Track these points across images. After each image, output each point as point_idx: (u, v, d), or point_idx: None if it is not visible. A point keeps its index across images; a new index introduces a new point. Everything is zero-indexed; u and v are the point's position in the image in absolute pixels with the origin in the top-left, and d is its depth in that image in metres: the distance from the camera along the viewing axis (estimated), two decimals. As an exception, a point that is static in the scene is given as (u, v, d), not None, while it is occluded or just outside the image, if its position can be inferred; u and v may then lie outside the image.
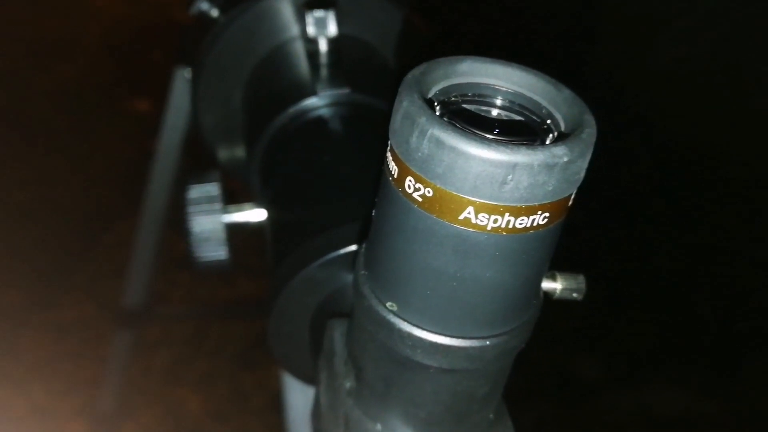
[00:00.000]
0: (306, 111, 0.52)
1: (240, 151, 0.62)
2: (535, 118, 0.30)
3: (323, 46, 0.54)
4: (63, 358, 1.54)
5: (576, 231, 1.60)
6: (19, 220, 1.74)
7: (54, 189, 1.84)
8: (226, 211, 0.56)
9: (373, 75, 0.57)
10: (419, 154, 0.27)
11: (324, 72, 0.53)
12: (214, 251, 0.57)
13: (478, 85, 0.31)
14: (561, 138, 0.28)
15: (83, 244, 1.74)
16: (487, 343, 0.31)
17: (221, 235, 0.56)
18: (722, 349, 1.44)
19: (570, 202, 0.29)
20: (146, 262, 1.15)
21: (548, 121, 0.30)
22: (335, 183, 0.47)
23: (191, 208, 0.56)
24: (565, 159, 0.26)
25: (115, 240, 1.72)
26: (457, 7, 1.79)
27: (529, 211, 0.27)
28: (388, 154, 0.29)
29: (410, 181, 0.28)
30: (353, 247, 0.42)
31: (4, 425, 1.43)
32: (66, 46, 2.22)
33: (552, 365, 1.43)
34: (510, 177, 0.26)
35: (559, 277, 0.35)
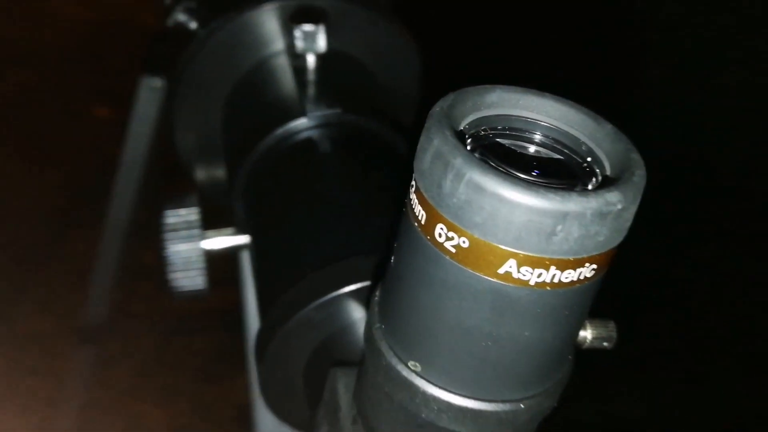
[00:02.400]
0: (294, 132, 0.48)
1: (220, 172, 0.58)
2: (575, 156, 0.27)
3: (311, 62, 0.50)
4: (23, 373, 1.49)
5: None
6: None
7: (10, 197, 1.78)
8: (204, 237, 0.53)
9: (364, 93, 0.54)
10: (454, 200, 0.24)
11: (312, 90, 0.50)
12: (192, 280, 0.53)
13: (510, 118, 0.27)
14: (607, 181, 0.25)
15: (40, 255, 1.68)
16: (521, 406, 0.28)
17: (200, 263, 0.53)
18: (687, 356, 1.44)
19: (615, 252, 0.26)
20: (107, 274, 1.11)
21: (588, 159, 0.27)
22: (329, 213, 0.44)
23: (169, 235, 0.52)
24: (619, 207, 0.23)
25: (73, 251, 1.66)
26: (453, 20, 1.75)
27: (577, 263, 0.24)
28: (413, 196, 0.26)
29: (442, 228, 0.25)
30: (354, 286, 0.38)
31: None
32: (23, 51, 2.15)
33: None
34: (560, 227, 0.23)
35: (588, 325, 0.32)
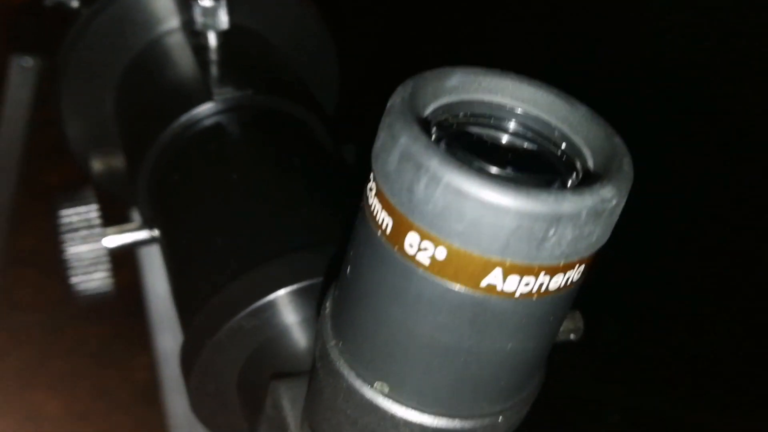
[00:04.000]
0: (201, 118, 0.44)
1: (117, 162, 0.53)
2: (550, 145, 0.24)
3: (213, 40, 0.46)
4: None
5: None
6: None
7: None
8: (106, 235, 0.48)
9: (273, 72, 0.49)
10: (429, 206, 0.21)
11: (215, 70, 0.45)
12: (98, 283, 0.49)
13: (474, 103, 0.24)
14: (592, 173, 0.23)
15: None
16: (500, 419, 0.25)
17: (104, 263, 0.48)
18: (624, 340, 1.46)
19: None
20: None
21: (563, 147, 0.24)
22: (250, 206, 0.40)
23: (66, 236, 0.47)
24: (614, 202, 0.21)
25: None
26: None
27: (568, 267, 0.22)
28: (373, 201, 0.23)
29: (413, 238, 0.21)
30: (289, 288, 0.35)
31: None
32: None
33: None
34: (552, 231, 0.20)
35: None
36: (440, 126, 0.23)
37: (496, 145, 0.24)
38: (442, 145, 0.23)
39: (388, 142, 0.22)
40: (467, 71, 0.24)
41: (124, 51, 0.49)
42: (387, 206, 0.22)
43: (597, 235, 0.21)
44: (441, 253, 0.21)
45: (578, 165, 0.23)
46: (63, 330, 1.50)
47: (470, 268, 0.21)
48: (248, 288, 0.35)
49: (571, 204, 0.20)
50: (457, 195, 0.20)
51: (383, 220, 0.22)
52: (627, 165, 0.22)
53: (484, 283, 0.21)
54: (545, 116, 0.24)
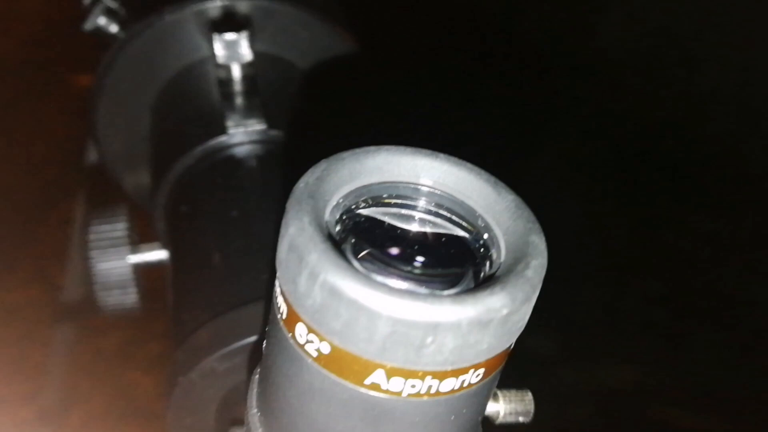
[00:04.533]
0: (214, 151, 0.44)
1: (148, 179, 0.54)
2: (470, 234, 0.23)
3: (236, 72, 0.46)
4: (10, 342, 1.48)
5: (531, 204, 1.57)
6: (-39, 201, 1.66)
7: (-1, 173, 1.75)
8: (135, 251, 0.49)
9: (297, 104, 0.49)
10: (310, 301, 0.20)
11: (238, 102, 0.46)
12: (121, 297, 0.50)
13: (397, 185, 0.24)
14: (494, 275, 0.21)
15: (28, 225, 1.66)
16: None
17: (128, 279, 0.49)
18: (677, 325, 1.42)
19: (511, 347, 0.22)
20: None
21: (485, 237, 0.23)
22: (245, 246, 0.40)
23: (93, 252, 0.49)
24: (504, 312, 0.20)
25: (60, 219, 1.65)
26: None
27: (458, 372, 0.21)
28: (277, 284, 0.22)
29: (301, 330, 0.21)
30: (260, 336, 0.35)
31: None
32: (2, 20, 2.10)
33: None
34: (430, 339, 0.19)
35: (501, 398, 0.29)
36: (351, 213, 0.23)
37: (407, 235, 0.23)
38: (348, 235, 0.22)
39: (282, 229, 0.21)
40: (393, 151, 0.23)
41: (158, 76, 0.50)
42: (282, 293, 0.22)
43: (488, 343, 0.20)
44: (325, 348, 0.21)
45: (494, 260, 0.22)
46: (160, 313, 1.56)
47: (354, 367, 0.21)
48: (224, 330, 0.35)
49: (449, 313, 0.19)
50: (333, 294, 0.20)
51: (281, 305, 0.22)
52: (533, 270, 0.21)
53: (368, 381, 0.21)
54: (470, 203, 0.23)
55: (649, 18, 1.86)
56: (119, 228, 0.49)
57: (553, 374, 1.39)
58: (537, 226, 0.22)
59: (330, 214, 0.22)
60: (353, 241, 0.22)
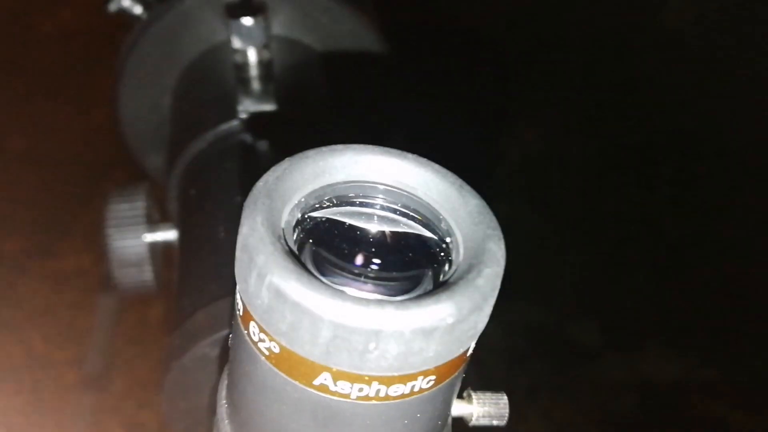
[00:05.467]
0: (226, 135, 0.44)
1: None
2: (431, 236, 0.23)
3: (252, 57, 0.46)
4: (61, 307, 1.52)
5: (577, 191, 1.54)
6: (19, 167, 1.70)
7: (54, 136, 1.79)
8: (152, 230, 0.50)
9: (313, 89, 0.49)
10: (259, 301, 0.20)
11: (253, 86, 0.46)
12: (136, 275, 0.51)
13: (362, 185, 0.23)
14: (452, 280, 0.21)
15: (82, 193, 1.70)
16: None
17: (144, 257, 0.50)
18: (723, 319, 1.40)
19: (468, 353, 0.22)
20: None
21: (448, 240, 0.23)
22: None
23: (110, 230, 0.49)
24: (450, 321, 0.20)
25: (113, 188, 1.68)
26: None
27: (406, 379, 0.21)
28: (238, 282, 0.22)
29: (254, 328, 0.21)
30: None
31: (2, 373, 1.41)
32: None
33: (548, 328, 1.39)
34: (373, 345, 0.19)
35: (475, 400, 0.28)
36: (313, 212, 0.23)
37: (366, 236, 0.23)
38: (307, 236, 0.22)
39: (239, 227, 0.21)
40: (359, 150, 0.23)
41: (179, 58, 0.51)
42: (238, 291, 0.22)
43: (435, 350, 0.20)
44: (275, 348, 0.21)
45: (453, 263, 0.22)
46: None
47: (301, 368, 0.21)
48: (218, 316, 0.36)
49: (391, 320, 0.19)
50: (278, 296, 0.20)
51: (239, 302, 0.22)
52: (485, 278, 0.20)
53: (316, 383, 0.21)
54: (435, 205, 0.23)
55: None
56: (138, 207, 0.50)
57: (596, 365, 1.38)
58: (497, 233, 0.22)
59: (289, 213, 0.22)
60: (311, 242, 0.22)
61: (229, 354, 0.26)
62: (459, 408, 0.28)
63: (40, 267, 1.54)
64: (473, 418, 0.28)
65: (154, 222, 0.50)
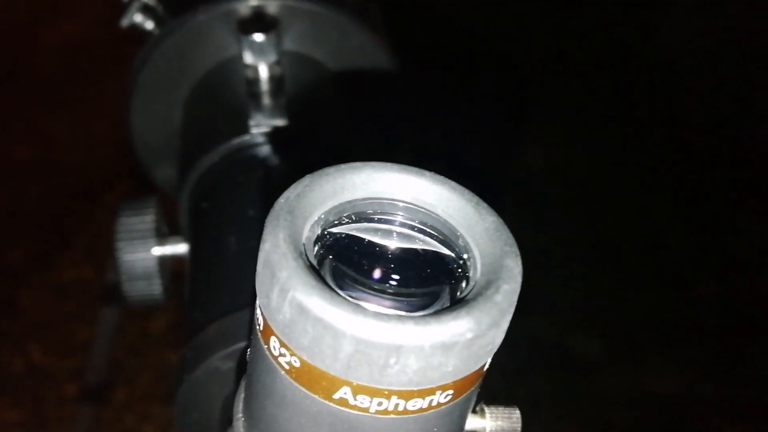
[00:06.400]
0: (238, 149, 0.45)
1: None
2: (449, 252, 0.23)
3: (264, 72, 0.47)
4: (62, 319, 1.52)
5: (578, 204, 1.55)
6: (20, 177, 1.70)
7: (56, 147, 1.80)
8: (162, 244, 0.50)
9: (323, 104, 0.50)
10: (281, 316, 0.21)
11: (264, 101, 0.46)
12: (146, 288, 0.51)
13: (381, 202, 0.24)
14: (470, 297, 0.21)
15: (84, 204, 1.70)
16: None
17: (153, 270, 0.50)
18: (725, 333, 1.40)
19: (485, 369, 0.22)
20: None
21: (464, 256, 0.23)
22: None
23: (120, 243, 0.50)
24: (469, 336, 0.20)
25: (115, 200, 1.68)
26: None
27: (425, 393, 0.21)
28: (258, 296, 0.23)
29: (275, 343, 0.22)
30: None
31: (2, 384, 1.41)
32: (71, 2, 2.15)
33: (549, 341, 1.39)
34: (393, 360, 0.20)
35: (488, 415, 0.29)
36: (332, 228, 0.23)
37: (385, 253, 0.23)
38: (327, 251, 0.22)
39: (261, 243, 0.22)
40: (378, 168, 0.24)
41: (191, 72, 0.51)
42: (259, 305, 0.22)
43: (454, 365, 0.20)
44: (296, 362, 0.21)
45: (471, 280, 0.23)
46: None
47: (322, 382, 0.21)
48: (231, 329, 0.36)
49: (411, 336, 0.19)
50: (301, 311, 0.20)
51: (258, 317, 0.22)
52: (503, 295, 0.21)
53: (336, 397, 0.21)
54: (452, 222, 0.23)
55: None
56: (147, 220, 0.50)
57: (597, 378, 1.38)
58: (514, 250, 0.22)
59: (310, 229, 0.22)
60: (330, 257, 0.22)
61: (246, 368, 0.26)
62: (472, 422, 0.29)
63: (40, 278, 1.54)
64: None
65: (163, 235, 0.51)
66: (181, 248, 0.50)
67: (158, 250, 0.50)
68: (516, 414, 0.29)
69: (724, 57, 1.82)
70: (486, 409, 0.29)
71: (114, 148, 1.77)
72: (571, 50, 1.78)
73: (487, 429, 0.29)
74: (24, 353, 1.43)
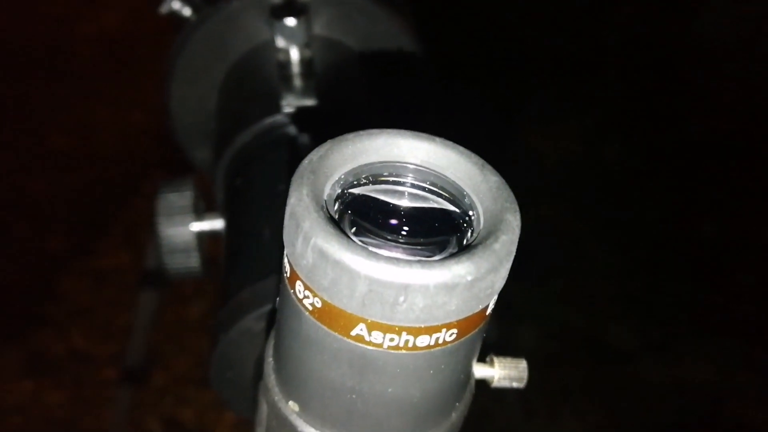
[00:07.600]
0: (270, 128, 0.48)
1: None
2: (455, 209, 0.26)
3: (294, 55, 0.50)
4: (101, 304, 1.56)
5: (615, 194, 1.55)
6: (60, 166, 1.74)
7: (95, 136, 1.83)
8: (199, 219, 0.53)
9: (351, 85, 0.53)
10: (304, 261, 0.23)
11: (295, 83, 0.49)
12: (184, 261, 0.54)
13: (395, 165, 0.27)
14: (467, 245, 0.24)
15: (122, 192, 1.74)
16: None
17: (191, 244, 0.53)
18: (762, 322, 1.40)
19: (488, 311, 0.25)
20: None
21: (471, 213, 0.26)
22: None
23: (160, 218, 0.53)
24: (469, 278, 0.23)
25: (153, 188, 1.71)
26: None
27: (431, 330, 0.24)
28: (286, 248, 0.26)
29: (299, 286, 0.24)
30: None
31: (43, 367, 1.45)
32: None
33: (583, 331, 1.40)
34: (402, 298, 0.22)
35: (497, 364, 0.31)
36: (351, 188, 0.26)
37: (397, 209, 0.26)
38: (346, 208, 0.25)
39: (287, 199, 0.25)
40: (393, 134, 0.26)
41: (225, 57, 0.54)
42: (286, 254, 0.25)
43: (456, 305, 0.23)
44: (318, 303, 0.24)
45: (475, 230, 0.25)
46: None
47: (340, 320, 0.24)
48: (263, 292, 0.39)
49: (417, 276, 0.22)
50: (321, 256, 0.23)
51: (285, 265, 0.25)
52: (501, 243, 0.23)
53: (353, 333, 0.24)
54: (459, 182, 0.26)
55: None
56: (186, 197, 0.53)
57: (631, 368, 1.39)
58: (514, 206, 0.25)
59: (331, 188, 0.25)
60: (349, 212, 0.25)
61: (275, 317, 0.29)
62: (482, 371, 0.31)
63: (80, 265, 1.58)
64: (495, 380, 0.31)
65: (200, 211, 0.54)
66: (216, 224, 0.53)
67: (196, 225, 0.53)
68: (522, 364, 0.32)
69: (762, 44, 1.81)
70: (495, 359, 0.32)
71: (151, 137, 1.81)
72: (607, 38, 1.78)
73: (496, 377, 0.31)
74: (65, 338, 1.48)
